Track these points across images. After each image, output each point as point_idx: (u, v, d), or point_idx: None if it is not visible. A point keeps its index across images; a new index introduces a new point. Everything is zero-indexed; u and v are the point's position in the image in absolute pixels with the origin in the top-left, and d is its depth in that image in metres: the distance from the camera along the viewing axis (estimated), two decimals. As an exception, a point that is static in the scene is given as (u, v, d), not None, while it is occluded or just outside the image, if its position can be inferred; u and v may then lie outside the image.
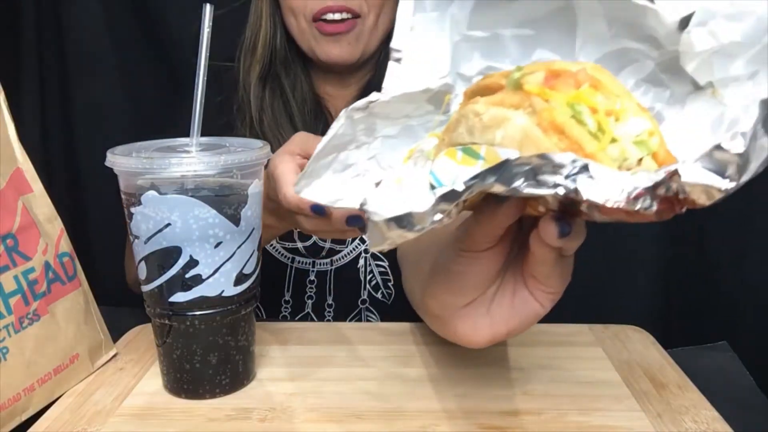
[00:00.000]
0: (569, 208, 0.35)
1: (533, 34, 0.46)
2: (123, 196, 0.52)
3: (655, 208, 0.30)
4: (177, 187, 0.50)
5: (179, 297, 0.52)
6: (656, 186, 0.30)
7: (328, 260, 0.89)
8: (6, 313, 0.52)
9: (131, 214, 0.51)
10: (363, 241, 0.88)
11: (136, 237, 0.52)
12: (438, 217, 0.33)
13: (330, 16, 0.84)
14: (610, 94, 0.36)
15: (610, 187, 0.30)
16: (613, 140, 0.35)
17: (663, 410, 0.52)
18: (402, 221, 0.33)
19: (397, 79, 0.45)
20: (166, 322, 0.53)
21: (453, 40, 0.46)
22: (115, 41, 1.24)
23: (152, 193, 0.50)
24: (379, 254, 0.88)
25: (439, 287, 0.42)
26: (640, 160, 0.35)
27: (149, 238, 0.51)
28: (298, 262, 0.89)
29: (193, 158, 0.50)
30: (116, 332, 0.66)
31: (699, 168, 0.29)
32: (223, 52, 0.90)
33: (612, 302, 1.18)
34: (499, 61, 0.47)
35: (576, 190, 0.30)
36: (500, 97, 0.38)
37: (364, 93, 0.89)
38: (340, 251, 0.89)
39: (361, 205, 0.36)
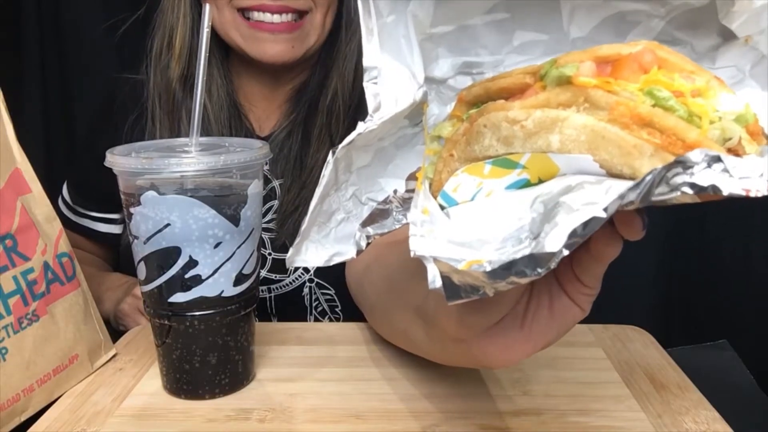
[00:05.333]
0: None
1: (509, 16, 0.41)
2: (122, 197, 0.52)
3: None
4: (176, 187, 0.50)
5: (179, 297, 0.52)
6: None
7: (265, 288, 0.84)
8: (5, 314, 0.52)
9: (131, 215, 0.51)
10: (307, 270, 0.84)
11: (136, 237, 0.52)
12: (566, 252, 0.28)
13: (269, 18, 0.76)
14: (683, 72, 0.33)
15: (750, 176, 0.27)
16: (710, 121, 0.31)
17: (663, 411, 0.52)
18: (515, 266, 0.28)
19: (378, 101, 0.40)
20: (166, 322, 0.53)
21: (418, 41, 0.42)
22: (116, 40, 1.24)
23: (152, 193, 0.50)
24: (325, 283, 0.84)
25: (462, 306, 0.36)
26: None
27: (149, 239, 0.51)
28: None
29: (192, 158, 0.49)
30: (116, 332, 0.66)
31: None
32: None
33: (612, 302, 1.18)
34: (473, 54, 0.43)
35: (715, 187, 0.27)
36: (544, 98, 0.34)
37: (296, 96, 0.85)
38: (279, 280, 0.84)
39: (425, 257, 0.31)
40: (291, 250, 0.40)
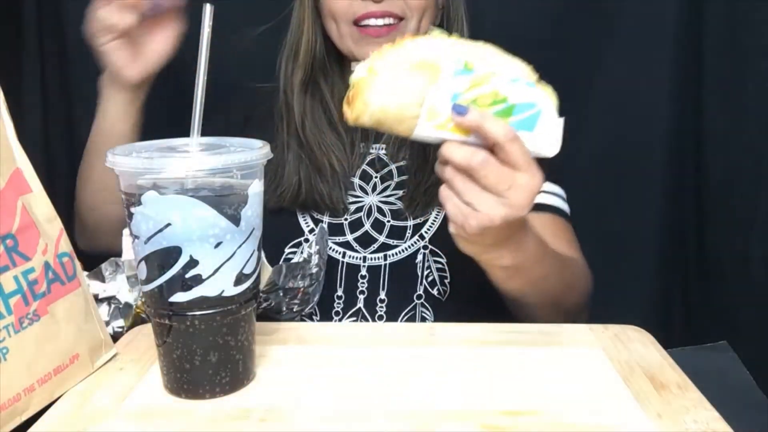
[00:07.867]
0: None
1: None
2: (123, 196, 0.52)
3: None
4: (177, 187, 0.50)
5: (179, 297, 0.52)
6: None
7: (381, 255, 0.89)
8: (6, 314, 0.52)
9: (131, 214, 0.51)
10: (422, 237, 0.89)
11: (136, 237, 0.52)
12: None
13: (373, 22, 0.88)
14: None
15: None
16: None
17: (663, 410, 0.52)
18: None
19: None
20: (166, 322, 0.53)
21: None
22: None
23: (152, 193, 0.50)
24: (438, 251, 0.88)
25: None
26: None
27: (149, 238, 0.51)
28: (349, 256, 0.89)
29: (193, 158, 0.50)
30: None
31: None
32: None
33: (612, 302, 1.18)
34: None
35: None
36: None
37: None
38: (396, 246, 0.89)
39: None
40: None
